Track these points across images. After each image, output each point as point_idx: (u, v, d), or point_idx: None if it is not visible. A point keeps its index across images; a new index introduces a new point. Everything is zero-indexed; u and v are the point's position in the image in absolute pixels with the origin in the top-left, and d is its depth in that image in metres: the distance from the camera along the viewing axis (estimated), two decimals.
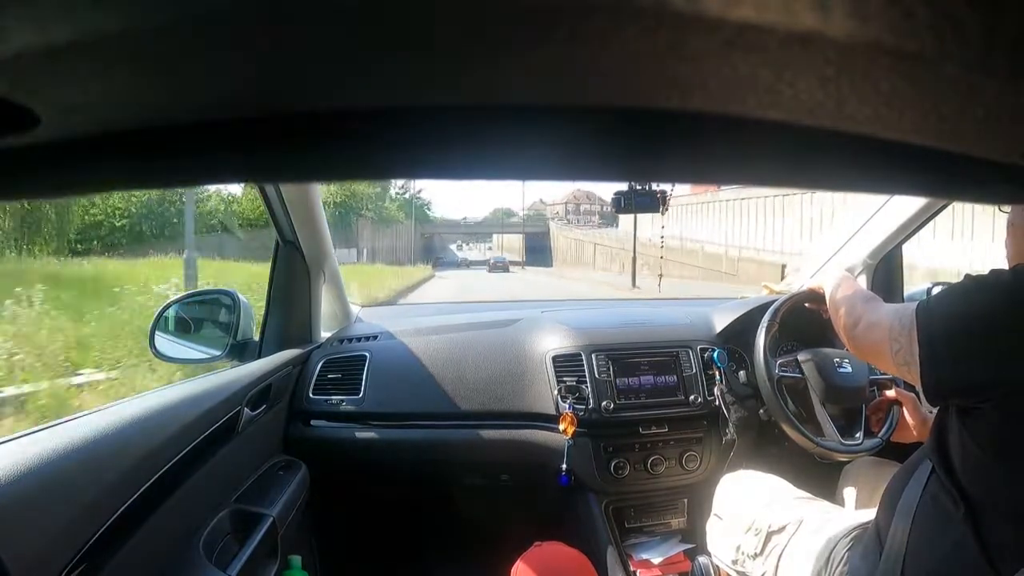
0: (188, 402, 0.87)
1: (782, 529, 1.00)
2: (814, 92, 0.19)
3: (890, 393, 1.19)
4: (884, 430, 1.17)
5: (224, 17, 0.16)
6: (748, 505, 1.08)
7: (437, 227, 42.63)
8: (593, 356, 1.32)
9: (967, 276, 0.73)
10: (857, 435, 1.18)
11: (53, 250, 9.84)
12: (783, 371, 1.24)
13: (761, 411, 1.29)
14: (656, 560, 1.30)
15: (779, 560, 0.97)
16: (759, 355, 1.25)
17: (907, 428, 1.15)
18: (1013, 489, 0.68)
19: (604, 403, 1.28)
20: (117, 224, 13.92)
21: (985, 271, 0.72)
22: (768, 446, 1.36)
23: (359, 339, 1.44)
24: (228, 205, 17.90)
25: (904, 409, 1.16)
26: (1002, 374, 0.66)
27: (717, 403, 1.33)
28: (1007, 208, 0.82)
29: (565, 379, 1.30)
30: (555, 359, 1.33)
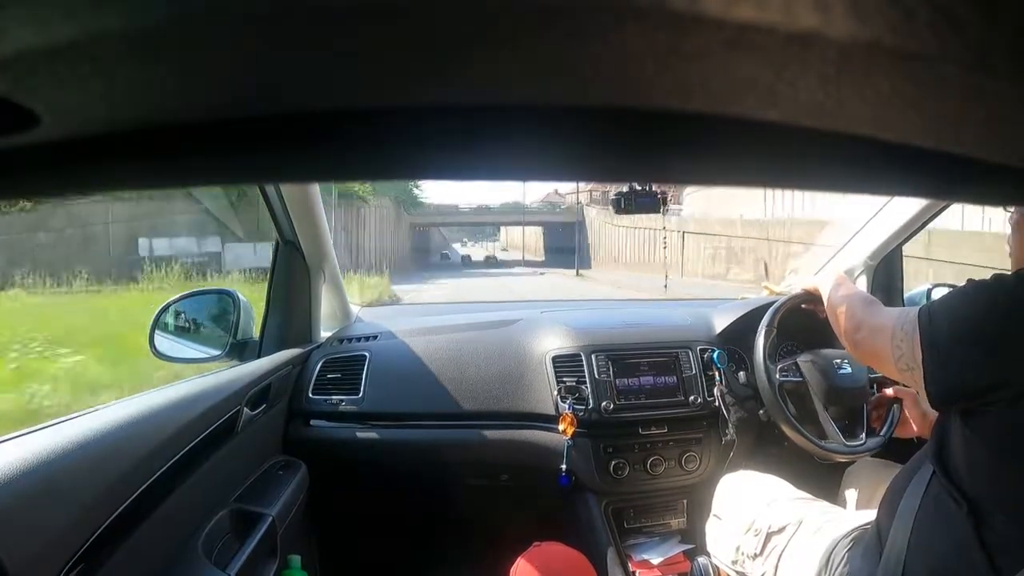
0: (188, 402, 0.87)
1: (782, 530, 1.00)
2: (814, 92, 0.19)
3: (889, 390, 1.19)
4: (885, 428, 1.17)
5: (224, 17, 0.16)
6: (748, 506, 1.08)
7: (431, 215, 31.45)
8: (593, 356, 1.32)
9: (970, 280, 0.73)
10: (860, 435, 1.18)
11: None
12: (783, 376, 1.24)
13: (761, 412, 1.29)
14: (656, 560, 1.30)
15: (779, 561, 0.97)
16: (759, 358, 1.25)
17: (908, 423, 1.15)
18: (1016, 490, 0.68)
19: (604, 403, 1.28)
20: None
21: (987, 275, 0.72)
22: (768, 447, 1.36)
23: (359, 339, 1.44)
24: None
25: (904, 404, 1.16)
26: (1006, 377, 0.66)
27: (717, 404, 1.33)
28: (1010, 209, 0.82)
29: (565, 379, 1.30)
30: (555, 359, 1.33)
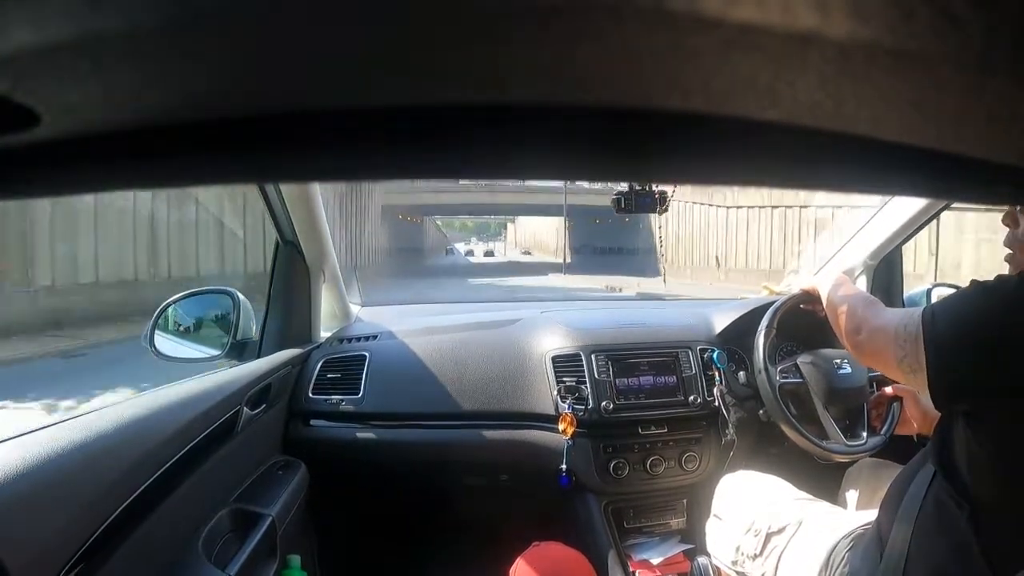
0: (188, 402, 0.88)
1: (782, 530, 1.00)
2: (813, 92, 0.19)
3: (888, 389, 1.19)
4: (886, 427, 1.17)
5: (224, 17, 0.16)
6: (748, 506, 1.08)
7: (420, 193, 20.57)
8: (593, 356, 1.32)
9: (973, 281, 0.72)
10: (861, 435, 1.18)
11: None
12: (784, 377, 1.24)
13: (761, 412, 1.29)
14: (655, 560, 1.30)
15: (779, 561, 0.97)
16: (759, 358, 1.25)
17: (909, 422, 1.15)
18: (1018, 493, 0.68)
19: (603, 403, 1.28)
20: None
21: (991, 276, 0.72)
22: (768, 447, 1.36)
23: (359, 339, 1.44)
24: None
25: (904, 403, 1.16)
26: (1009, 379, 0.66)
27: (717, 404, 1.33)
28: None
29: (565, 379, 1.30)
30: (555, 359, 1.33)
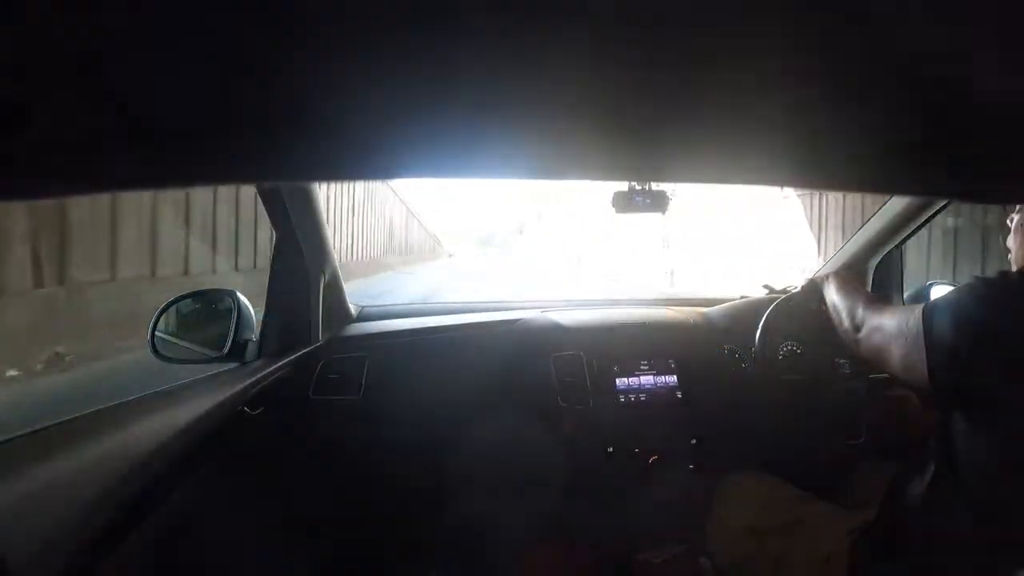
0: (188, 402, 0.87)
1: (782, 529, 1.00)
2: (815, 93, 0.19)
3: (889, 390, 1.19)
4: (887, 427, 1.17)
5: (226, 19, 0.16)
6: (748, 505, 1.08)
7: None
8: (593, 356, 1.32)
9: (975, 278, 0.72)
10: (861, 434, 1.18)
11: None
12: (784, 374, 1.24)
13: (762, 411, 1.29)
14: (656, 560, 1.30)
15: (779, 560, 0.97)
16: (759, 357, 1.25)
17: (909, 423, 1.15)
18: (1019, 487, 0.68)
19: (604, 403, 1.28)
20: None
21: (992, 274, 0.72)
22: (769, 446, 1.36)
23: (359, 339, 1.44)
24: None
25: (905, 404, 1.16)
26: (1009, 376, 0.66)
27: (718, 403, 1.33)
28: (1013, 214, 0.82)
29: (565, 379, 1.30)
30: (555, 359, 1.33)
